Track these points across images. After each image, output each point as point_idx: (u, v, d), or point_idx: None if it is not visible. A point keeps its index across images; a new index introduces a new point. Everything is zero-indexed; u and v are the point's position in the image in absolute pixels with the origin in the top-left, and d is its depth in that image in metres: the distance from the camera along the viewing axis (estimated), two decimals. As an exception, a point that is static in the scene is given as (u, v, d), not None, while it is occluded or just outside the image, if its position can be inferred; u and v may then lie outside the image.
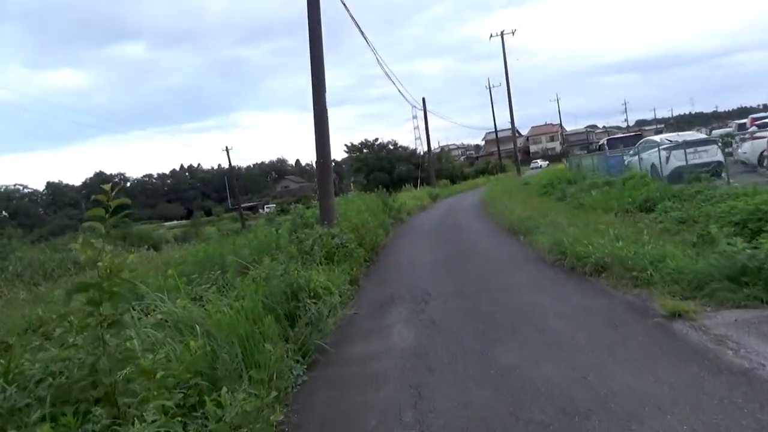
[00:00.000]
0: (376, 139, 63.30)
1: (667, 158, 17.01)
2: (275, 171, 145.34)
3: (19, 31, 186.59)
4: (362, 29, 16.74)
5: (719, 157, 16.49)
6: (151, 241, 43.83)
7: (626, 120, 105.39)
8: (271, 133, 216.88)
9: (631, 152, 21.13)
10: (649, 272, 6.38)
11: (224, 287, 5.76)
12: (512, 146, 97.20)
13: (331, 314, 6.18)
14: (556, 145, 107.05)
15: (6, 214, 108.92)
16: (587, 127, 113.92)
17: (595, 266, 7.24)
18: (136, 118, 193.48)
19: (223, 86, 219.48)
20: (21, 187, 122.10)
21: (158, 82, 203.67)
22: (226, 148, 66.37)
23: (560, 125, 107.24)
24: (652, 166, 18.07)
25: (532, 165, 72.94)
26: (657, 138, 20.83)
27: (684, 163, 16.26)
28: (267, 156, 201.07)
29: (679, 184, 13.34)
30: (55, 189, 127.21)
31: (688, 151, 16.71)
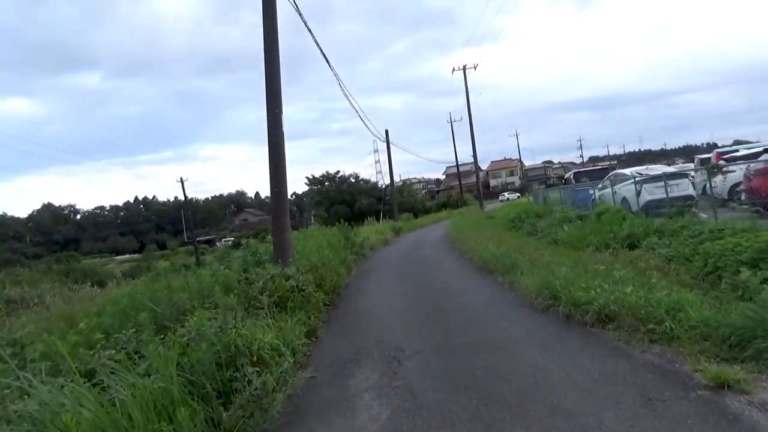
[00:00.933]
0: (338, 172, 62.46)
1: (639, 192, 16.46)
2: (234, 204, 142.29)
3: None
4: (327, 58, 15.85)
5: (690, 191, 16.00)
6: (96, 278, 41.10)
7: (581, 156, 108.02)
8: (231, 166, 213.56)
9: (600, 185, 20.66)
10: (667, 324, 5.27)
11: (137, 353, 4.31)
12: (472, 180, 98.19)
13: (280, 385, 4.77)
14: (515, 180, 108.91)
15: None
16: (544, 162, 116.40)
17: (599, 315, 6.11)
18: (89, 148, 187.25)
19: (181, 117, 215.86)
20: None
21: (114, 112, 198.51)
22: (181, 179, 64.13)
23: (519, 160, 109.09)
24: (624, 199, 17.49)
25: (500, 198, 72.72)
26: (627, 171, 20.39)
27: (656, 196, 15.71)
28: (226, 188, 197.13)
29: (654, 219, 12.72)
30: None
31: (659, 184, 16.22)
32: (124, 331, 4.74)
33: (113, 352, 4.16)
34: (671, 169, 21.41)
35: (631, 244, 11.25)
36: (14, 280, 39.29)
